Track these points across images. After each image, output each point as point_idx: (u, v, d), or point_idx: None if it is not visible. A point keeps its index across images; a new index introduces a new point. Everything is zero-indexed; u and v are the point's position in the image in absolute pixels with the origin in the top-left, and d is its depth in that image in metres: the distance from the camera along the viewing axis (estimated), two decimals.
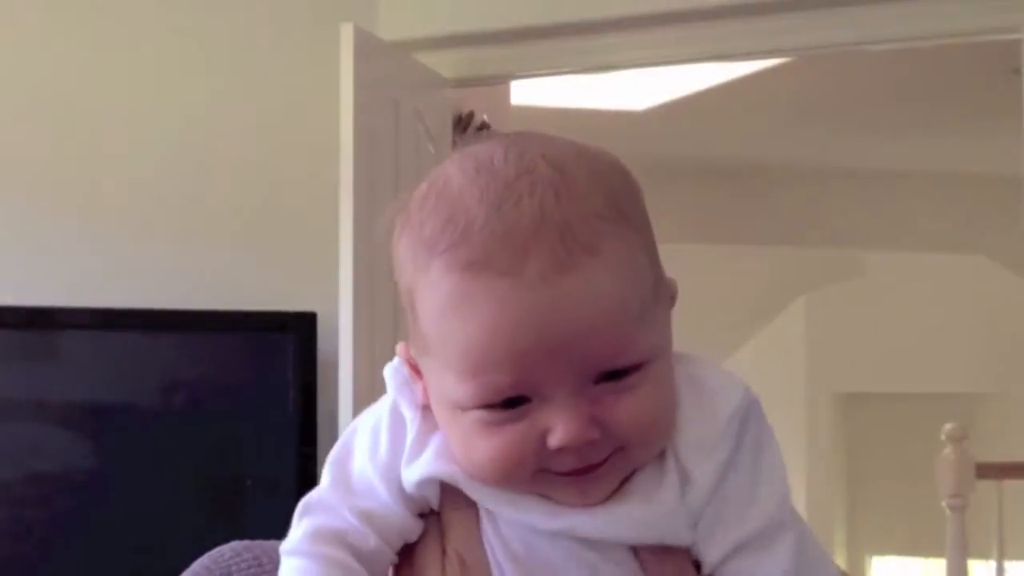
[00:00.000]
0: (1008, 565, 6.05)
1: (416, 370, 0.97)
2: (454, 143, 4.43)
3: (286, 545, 0.98)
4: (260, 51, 4.15)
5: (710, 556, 0.93)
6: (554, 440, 0.89)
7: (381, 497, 0.96)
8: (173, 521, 3.74)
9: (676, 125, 6.60)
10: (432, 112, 4.21)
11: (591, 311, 0.88)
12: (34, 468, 3.78)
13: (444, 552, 0.95)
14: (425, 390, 0.96)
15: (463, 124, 4.55)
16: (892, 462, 8.48)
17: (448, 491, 0.95)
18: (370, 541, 0.95)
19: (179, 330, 3.90)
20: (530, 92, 5.73)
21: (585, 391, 0.89)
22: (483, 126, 4.66)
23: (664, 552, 0.93)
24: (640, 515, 0.92)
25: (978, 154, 7.34)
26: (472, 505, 0.95)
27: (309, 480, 3.93)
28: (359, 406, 3.68)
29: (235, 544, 1.04)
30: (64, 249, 3.99)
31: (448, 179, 0.94)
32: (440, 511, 0.96)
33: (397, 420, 0.98)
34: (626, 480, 0.93)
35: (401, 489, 0.96)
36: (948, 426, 5.51)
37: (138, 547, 3.74)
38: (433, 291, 0.91)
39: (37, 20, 4.05)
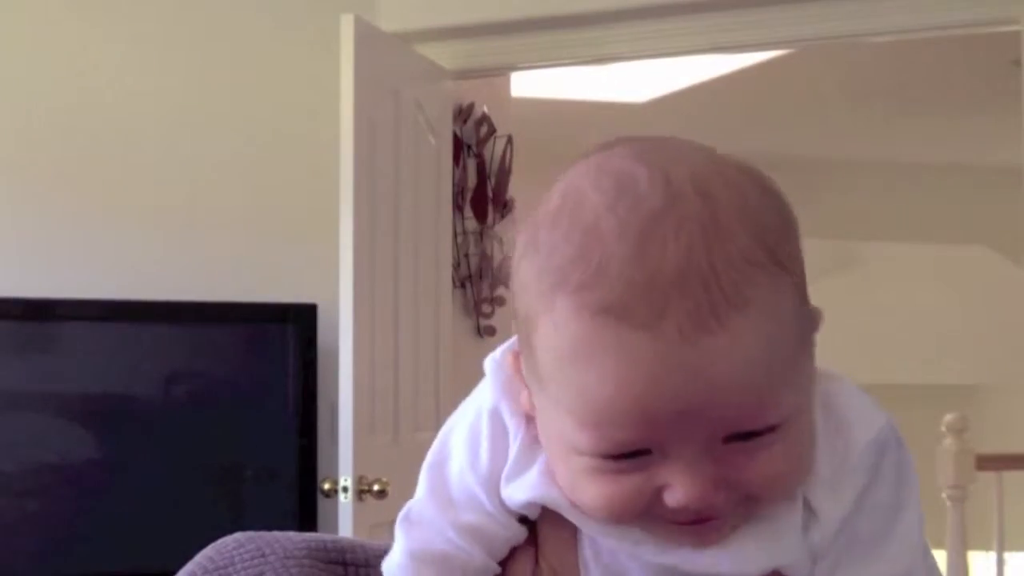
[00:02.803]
0: (1008, 556, 6.06)
1: (523, 379, 0.88)
2: (454, 135, 4.43)
3: (389, 561, 0.91)
4: (260, 42, 4.15)
5: None
6: (672, 500, 0.81)
7: (485, 508, 0.89)
8: (173, 511, 3.75)
9: (676, 117, 6.59)
10: (432, 103, 4.21)
11: (731, 376, 0.78)
12: (35, 459, 3.79)
13: (537, 564, 0.90)
14: (530, 398, 0.87)
15: (463, 115, 4.55)
16: None
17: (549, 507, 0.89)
18: (476, 559, 0.89)
19: (179, 321, 3.91)
20: (530, 84, 5.73)
21: (712, 450, 0.81)
22: (484, 117, 4.66)
23: None
24: (758, 553, 0.85)
25: (978, 145, 7.33)
26: (572, 524, 0.88)
27: (309, 470, 3.97)
28: (359, 397, 3.71)
29: (238, 535, 1.03)
30: (65, 241, 3.99)
31: (582, 199, 0.83)
32: (538, 523, 0.90)
33: (498, 426, 0.90)
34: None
35: (502, 501, 0.89)
36: (948, 417, 5.51)
37: (139, 537, 3.74)
38: (557, 332, 0.81)
39: (35, 15, 4.05)
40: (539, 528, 0.90)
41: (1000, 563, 5.87)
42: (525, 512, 0.89)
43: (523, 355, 0.86)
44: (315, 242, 4.01)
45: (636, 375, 0.78)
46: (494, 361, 0.92)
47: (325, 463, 3.87)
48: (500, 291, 4.73)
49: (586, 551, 0.89)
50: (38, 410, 3.81)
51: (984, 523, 5.85)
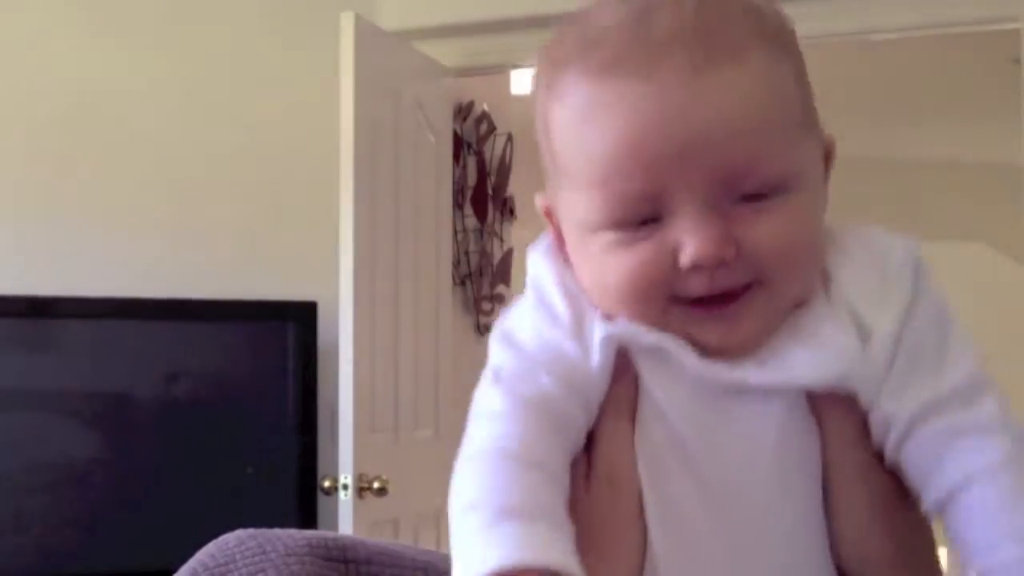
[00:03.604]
0: None
1: (557, 230, 0.93)
2: (454, 133, 4.43)
3: (476, 408, 0.90)
4: (261, 40, 4.15)
5: (902, 414, 0.87)
6: (684, 257, 0.84)
7: (571, 357, 0.89)
8: (173, 509, 3.75)
9: None
10: (432, 101, 4.21)
11: (727, 116, 0.82)
12: (35, 457, 3.78)
13: (591, 468, 0.90)
14: (567, 248, 0.91)
15: (463, 113, 4.55)
16: None
17: (610, 396, 0.89)
18: (568, 404, 0.88)
19: (180, 319, 3.91)
20: (531, 81, 5.73)
21: (719, 208, 0.84)
22: (483, 115, 4.66)
23: (843, 403, 0.87)
24: (816, 357, 0.86)
25: (978, 143, 7.33)
26: (629, 417, 0.89)
27: (309, 468, 3.97)
28: (359, 395, 3.71)
29: (239, 532, 1.04)
30: (66, 239, 3.99)
31: (585, 6, 0.90)
32: (596, 423, 0.90)
33: (571, 293, 0.91)
34: (793, 326, 0.87)
35: (591, 346, 0.89)
36: None
37: (139, 534, 3.74)
38: (564, 103, 0.87)
39: (37, 14, 4.05)
40: (597, 430, 0.90)
41: None
42: (601, 369, 0.89)
43: (547, 170, 0.91)
44: (315, 240, 4.01)
45: (636, 119, 0.83)
46: (540, 250, 0.95)
47: (325, 461, 3.87)
48: (500, 288, 4.73)
49: (643, 437, 0.89)
50: (38, 408, 3.81)
51: None
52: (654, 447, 0.89)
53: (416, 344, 4.03)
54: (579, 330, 0.90)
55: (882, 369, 0.87)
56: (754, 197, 0.84)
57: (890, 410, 0.87)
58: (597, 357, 0.89)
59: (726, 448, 0.88)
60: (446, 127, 4.34)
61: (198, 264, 4.06)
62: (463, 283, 4.61)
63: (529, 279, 0.94)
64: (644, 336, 0.88)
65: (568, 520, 0.84)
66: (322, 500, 3.88)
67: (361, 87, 3.76)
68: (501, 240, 4.78)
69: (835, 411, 0.88)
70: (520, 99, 5.27)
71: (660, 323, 0.87)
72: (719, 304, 0.85)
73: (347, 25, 3.76)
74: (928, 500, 0.89)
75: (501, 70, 4.73)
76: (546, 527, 0.81)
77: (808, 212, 0.88)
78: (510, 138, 4.74)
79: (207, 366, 3.98)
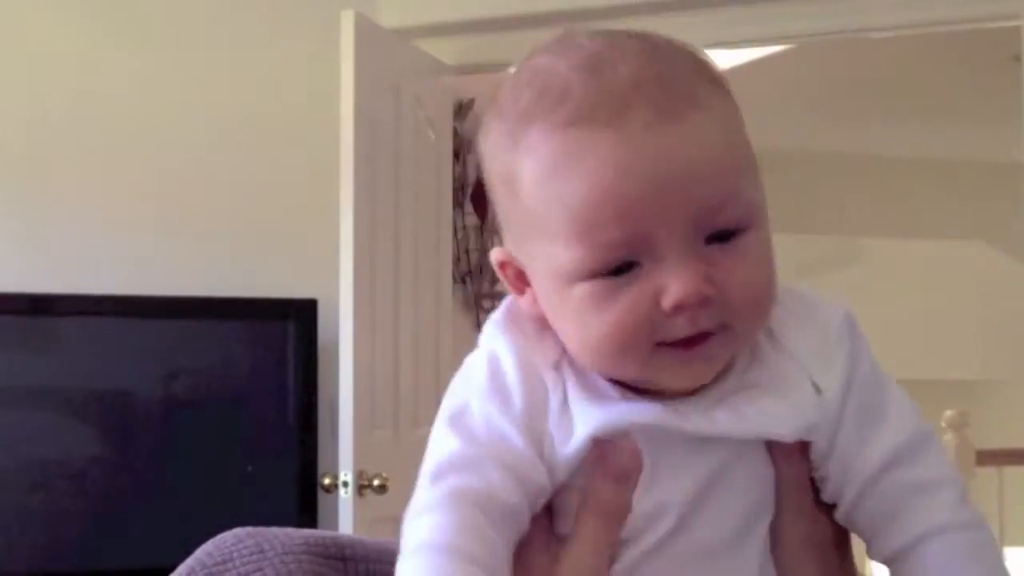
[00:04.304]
0: (1009, 552, 6.06)
1: (517, 280, 0.94)
2: (454, 130, 4.43)
3: (415, 505, 0.89)
4: (261, 38, 4.15)
5: (854, 471, 0.92)
6: (669, 298, 0.85)
7: (520, 450, 0.89)
8: (173, 506, 3.75)
9: None
10: (433, 99, 4.21)
11: (698, 156, 0.85)
12: (35, 454, 3.78)
13: (558, 564, 0.91)
14: (532, 298, 0.93)
15: (463, 111, 4.55)
16: None
17: (596, 493, 0.90)
18: (513, 496, 0.88)
19: (180, 317, 3.91)
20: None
21: (696, 250, 0.86)
22: (484, 113, 4.65)
23: (799, 450, 0.91)
24: (791, 409, 0.90)
25: (978, 141, 7.33)
26: (616, 523, 0.90)
27: (309, 465, 3.97)
28: (359, 392, 3.71)
29: (237, 531, 1.03)
30: (65, 237, 3.99)
31: (535, 61, 0.92)
32: (578, 516, 0.91)
33: (529, 372, 0.91)
34: (752, 383, 0.91)
35: (541, 444, 0.90)
36: (948, 413, 5.51)
37: (138, 532, 3.74)
38: (535, 156, 0.88)
39: (35, 12, 4.05)
40: (578, 526, 0.91)
41: None
42: (578, 453, 0.90)
43: (508, 222, 0.93)
44: (315, 238, 4.01)
45: (609, 170, 0.85)
46: (497, 320, 0.95)
47: (325, 458, 3.87)
48: (500, 286, 4.73)
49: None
50: (38, 406, 3.81)
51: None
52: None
53: (416, 342, 4.03)
54: (533, 422, 0.90)
55: (830, 424, 0.92)
56: (721, 237, 0.87)
57: (841, 465, 0.92)
58: (575, 447, 0.90)
59: (704, 501, 0.91)
60: (446, 124, 4.34)
61: (198, 262, 4.06)
62: (463, 281, 4.61)
63: (486, 354, 0.94)
64: (641, 417, 0.90)
65: None
66: (322, 498, 3.88)
67: (361, 85, 3.76)
68: (501, 238, 4.77)
69: (791, 458, 0.92)
70: None
71: (640, 371, 0.89)
72: (697, 344, 0.88)
73: (347, 23, 3.76)
74: (878, 554, 0.93)
75: (501, 67, 4.72)
76: None
77: (768, 250, 0.91)
78: None
79: (207, 364, 3.98)
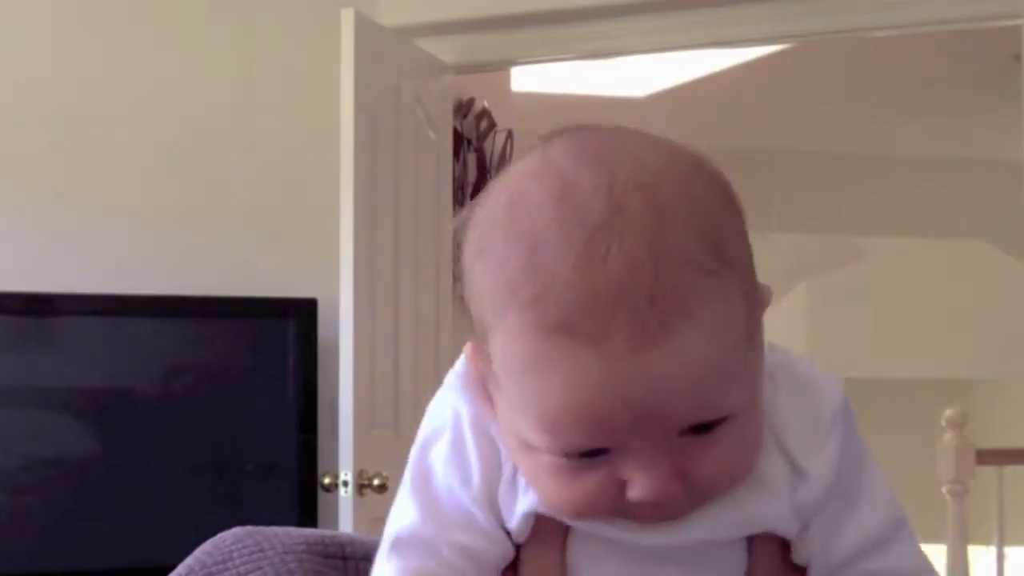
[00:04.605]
0: (1008, 551, 6.06)
1: (485, 383, 0.90)
2: (455, 129, 4.43)
3: None
4: (261, 37, 4.15)
5: (832, 556, 0.89)
6: (633, 494, 0.83)
7: (479, 525, 0.89)
8: (174, 506, 3.75)
9: (677, 111, 6.59)
10: (432, 98, 4.21)
11: (681, 381, 0.81)
12: (34, 454, 3.78)
13: None
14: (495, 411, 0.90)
15: (463, 110, 4.55)
16: (892, 448, 8.47)
17: (535, 527, 0.89)
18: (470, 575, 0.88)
19: (180, 316, 3.91)
20: (531, 78, 5.72)
21: (668, 443, 0.83)
22: (484, 112, 4.65)
23: (773, 542, 0.89)
24: (751, 506, 0.87)
25: (979, 139, 7.33)
26: (555, 547, 0.89)
27: (309, 465, 3.96)
28: (359, 392, 3.71)
29: (236, 530, 1.03)
30: (66, 236, 3.99)
31: (527, 205, 0.84)
32: (521, 549, 0.90)
33: (483, 439, 0.90)
34: None
35: (500, 516, 0.89)
36: (948, 412, 5.51)
37: (138, 532, 3.74)
38: (511, 344, 0.83)
39: (36, 7, 4.05)
40: (522, 556, 0.90)
41: (1000, 558, 5.87)
42: (521, 528, 0.89)
43: (479, 332, 0.88)
44: (315, 237, 4.01)
45: (586, 387, 0.80)
46: (458, 374, 0.92)
47: (325, 457, 3.87)
48: None
49: (580, 557, 0.89)
50: (38, 405, 3.81)
51: (984, 518, 5.85)
52: None
53: (416, 341, 4.03)
54: (492, 496, 0.89)
55: (812, 511, 0.89)
56: (701, 428, 0.83)
57: (816, 550, 0.90)
58: (514, 525, 0.89)
59: None
60: (446, 124, 4.34)
61: (198, 261, 4.06)
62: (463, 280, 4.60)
63: (451, 411, 0.92)
64: (577, 523, 0.88)
65: None
66: (322, 497, 3.88)
67: (361, 84, 3.76)
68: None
69: (765, 547, 0.90)
70: (521, 95, 5.27)
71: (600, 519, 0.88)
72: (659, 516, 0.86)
73: (347, 22, 3.76)
74: None
75: (501, 67, 4.73)
76: None
77: (752, 427, 0.86)
78: (510, 134, 4.74)
79: (207, 363, 3.98)
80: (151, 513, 3.76)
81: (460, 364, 0.93)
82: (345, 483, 3.68)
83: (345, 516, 3.69)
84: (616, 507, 0.85)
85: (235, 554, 1.01)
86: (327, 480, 3.81)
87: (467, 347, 0.92)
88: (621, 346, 0.80)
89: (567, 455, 0.84)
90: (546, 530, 0.89)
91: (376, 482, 3.69)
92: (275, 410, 3.92)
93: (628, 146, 0.86)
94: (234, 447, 3.90)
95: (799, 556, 0.90)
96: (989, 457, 5.66)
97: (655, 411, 0.81)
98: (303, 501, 3.88)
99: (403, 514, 0.90)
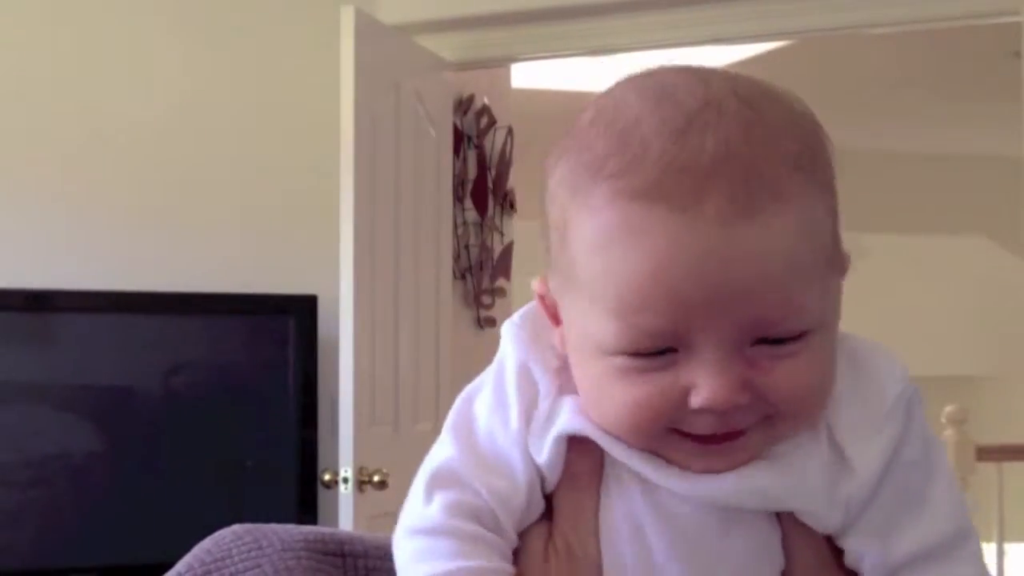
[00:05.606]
0: (1008, 547, 6.06)
1: (554, 314, 0.88)
2: (454, 126, 4.43)
3: (412, 521, 0.88)
4: (261, 34, 4.15)
5: (888, 557, 0.85)
6: (696, 400, 0.80)
7: (517, 469, 0.87)
8: (173, 503, 3.75)
9: None
10: (433, 95, 4.21)
11: (766, 266, 0.78)
12: (35, 450, 3.78)
13: (551, 538, 0.88)
14: (562, 336, 0.88)
15: (463, 107, 4.55)
16: None
17: (568, 470, 0.87)
18: (502, 523, 0.87)
19: (180, 313, 3.91)
20: (531, 75, 5.72)
21: (739, 351, 0.80)
22: (484, 109, 4.65)
23: (809, 533, 0.86)
24: (776, 485, 0.84)
25: (978, 136, 7.33)
26: (590, 488, 0.87)
27: (309, 461, 3.96)
28: (359, 388, 3.71)
29: (235, 527, 1.03)
30: (66, 233, 3.99)
31: (623, 102, 0.84)
32: (554, 496, 0.88)
33: (526, 384, 0.89)
34: (772, 451, 0.85)
35: (533, 461, 0.87)
36: (948, 408, 5.52)
37: (138, 528, 3.74)
38: (594, 218, 0.81)
39: (35, 12, 4.04)
40: (556, 501, 0.89)
41: (1000, 554, 5.87)
42: (552, 460, 0.87)
43: (555, 262, 0.86)
44: (315, 234, 4.01)
45: (671, 258, 0.78)
46: (513, 324, 0.91)
47: (325, 454, 3.87)
48: (500, 282, 4.73)
49: (604, 516, 0.87)
50: (38, 401, 3.81)
51: (984, 514, 5.85)
52: (616, 528, 0.87)
53: (416, 338, 4.03)
54: (527, 435, 0.88)
55: (859, 505, 0.86)
56: (775, 341, 0.81)
57: (871, 550, 0.86)
58: (545, 456, 0.87)
59: (697, 552, 0.86)
60: (446, 120, 4.34)
61: (198, 258, 4.06)
62: (463, 277, 4.60)
63: (497, 360, 0.91)
64: (619, 454, 0.86)
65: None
66: (322, 493, 3.88)
67: (361, 81, 3.76)
68: (501, 234, 4.77)
69: (798, 532, 0.86)
70: (521, 92, 5.27)
71: (648, 447, 0.85)
72: (719, 441, 0.83)
73: (347, 19, 3.76)
74: None
75: (501, 63, 4.72)
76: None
77: (826, 353, 0.84)
78: (510, 131, 4.74)
79: (207, 360, 3.98)
80: (151, 510, 3.76)
81: (516, 315, 0.92)
82: (345, 480, 3.68)
83: (345, 513, 3.69)
84: (677, 417, 0.82)
85: (234, 551, 1.01)
86: (327, 477, 3.81)
87: (534, 282, 0.91)
88: (711, 215, 0.78)
89: (636, 353, 0.81)
90: (580, 474, 0.87)
91: (376, 479, 3.69)
92: (275, 407, 3.93)
93: (727, 72, 0.88)
94: (234, 443, 3.90)
95: (849, 555, 0.87)
96: (989, 453, 5.67)
97: (734, 294, 0.78)
98: (303, 497, 3.88)
99: (442, 451, 0.89)
